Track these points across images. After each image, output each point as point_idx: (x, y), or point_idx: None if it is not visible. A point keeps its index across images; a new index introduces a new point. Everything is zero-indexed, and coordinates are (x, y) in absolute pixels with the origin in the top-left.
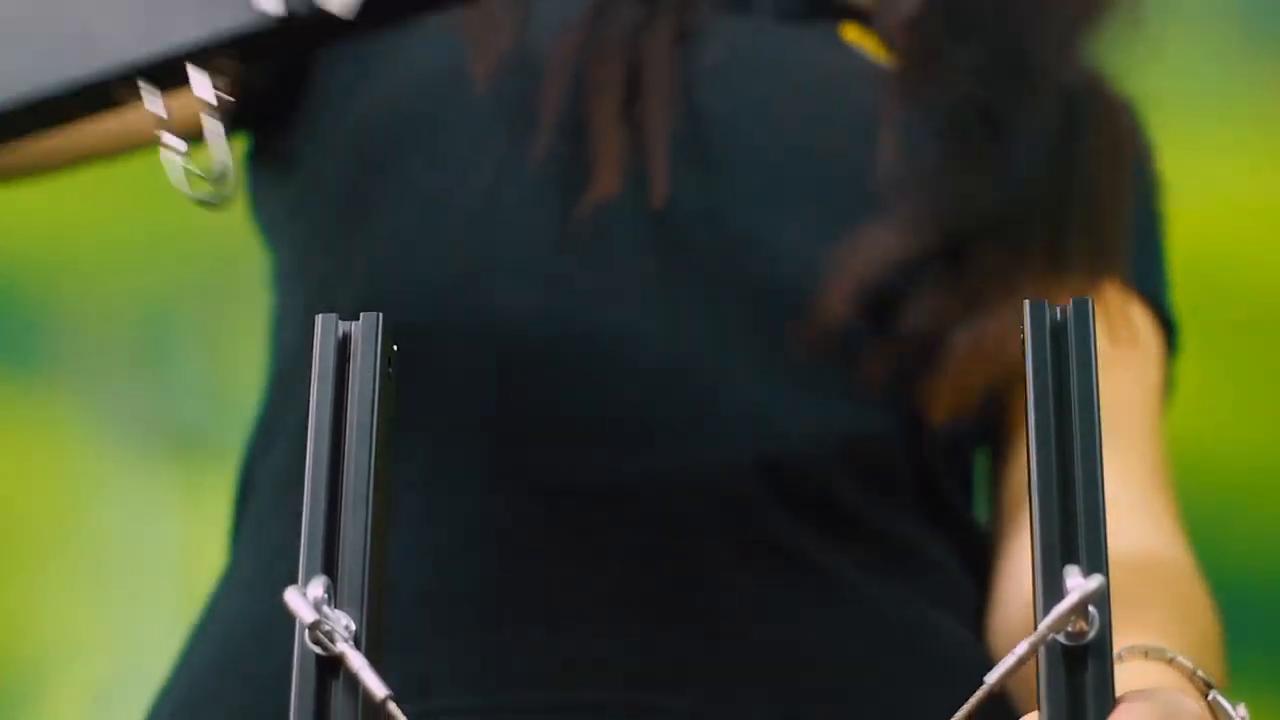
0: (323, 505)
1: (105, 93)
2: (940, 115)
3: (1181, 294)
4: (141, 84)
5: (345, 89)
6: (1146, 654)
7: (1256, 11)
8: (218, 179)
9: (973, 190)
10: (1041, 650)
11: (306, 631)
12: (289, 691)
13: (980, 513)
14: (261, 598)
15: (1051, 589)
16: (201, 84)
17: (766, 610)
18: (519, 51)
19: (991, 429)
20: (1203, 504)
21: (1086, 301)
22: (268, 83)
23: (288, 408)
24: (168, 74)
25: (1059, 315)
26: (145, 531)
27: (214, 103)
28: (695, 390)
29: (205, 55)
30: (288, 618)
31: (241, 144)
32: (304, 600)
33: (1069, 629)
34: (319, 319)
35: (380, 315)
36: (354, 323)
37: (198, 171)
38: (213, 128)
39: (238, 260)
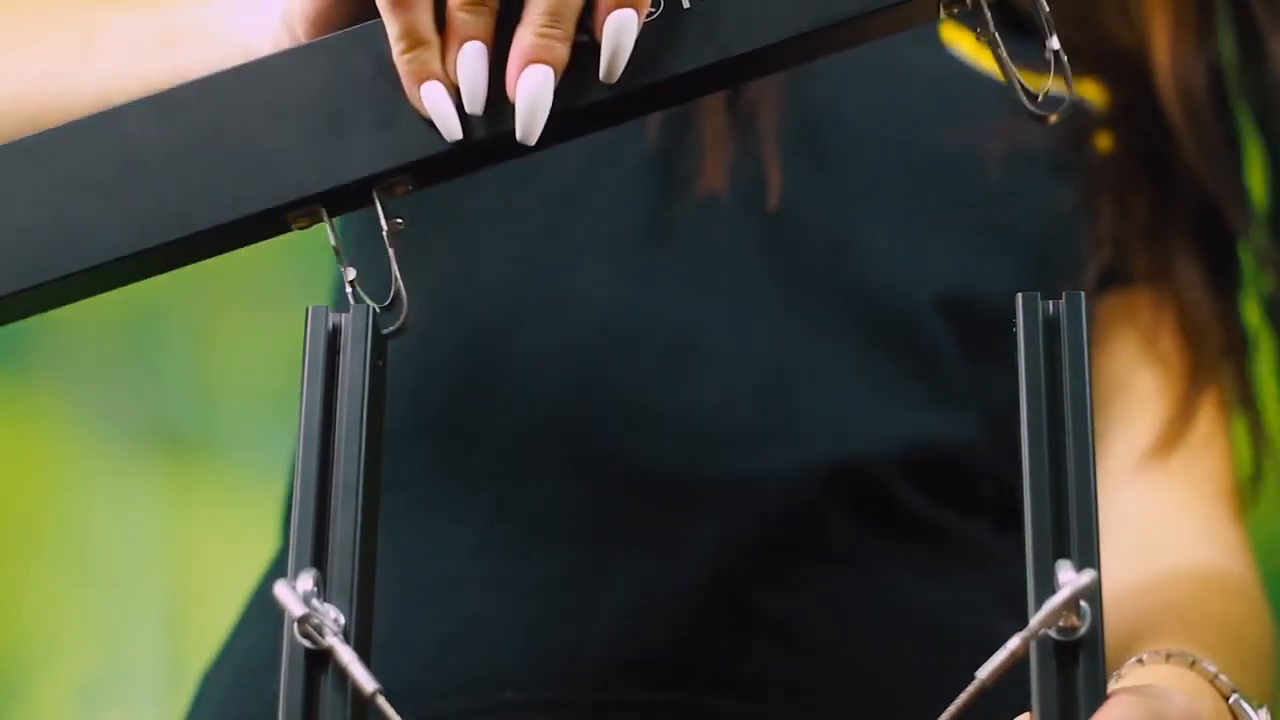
0: (313, 498)
1: (279, 220)
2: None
3: None
4: (319, 210)
5: None
6: (1169, 658)
7: None
8: (390, 305)
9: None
10: (1033, 645)
11: (295, 625)
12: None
13: None
14: None
15: (1043, 583)
16: (381, 210)
17: (834, 615)
18: None
19: None
20: None
21: (1079, 295)
22: None
23: None
24: (343, 200)
25: (1052, 309)
26: (131, 527)
27: (391, 228)
28: (777, 390)
29: (387, 181)
30: (277, 610)
31: None
32: (293, 593)
33: (1061, 624)
34: (309, 310)
35: (371, 308)
36: (344, 314)
37: (367, 300)
38: (389, 254)
39: (226, 256)
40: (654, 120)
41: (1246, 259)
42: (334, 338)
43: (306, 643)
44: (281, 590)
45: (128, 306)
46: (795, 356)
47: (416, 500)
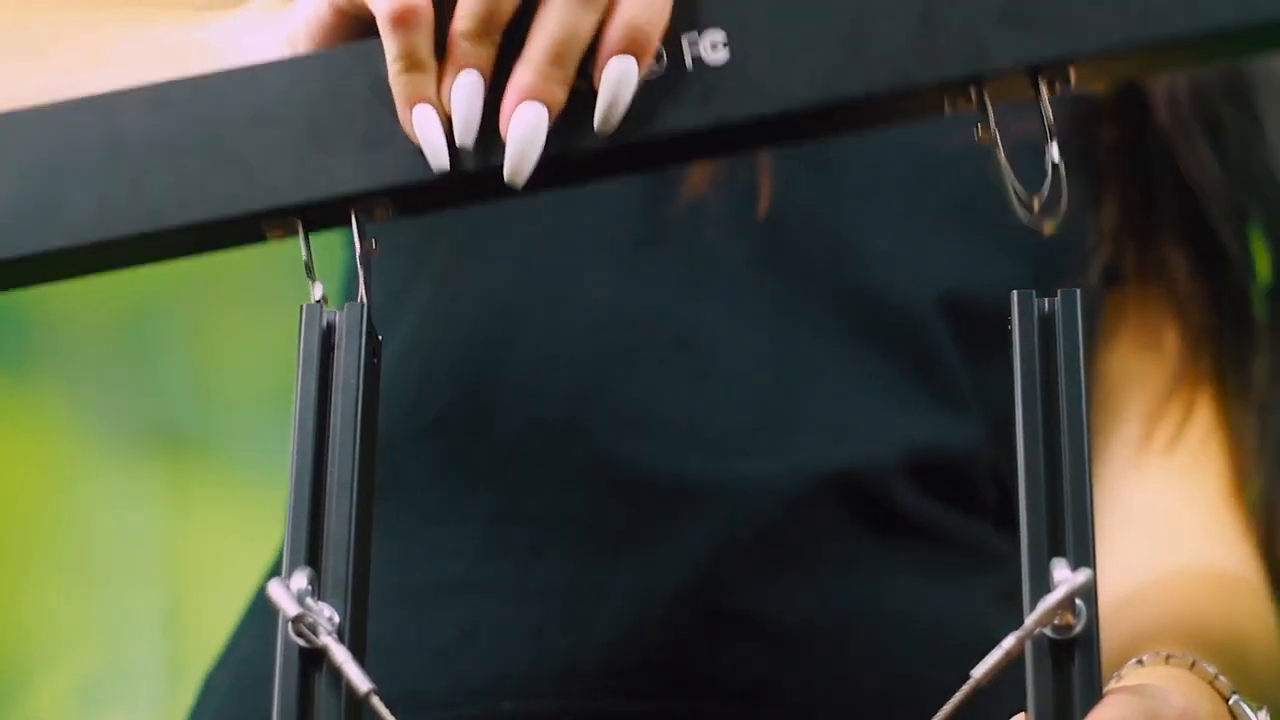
0: (307, 496)
1: (254, 227)
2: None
3: None
4: (295, 223)
5: None
6: (1168, 659)
7: None
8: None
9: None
10: (1029, 644)
11: (290, 624)
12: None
13: None
14: None
15: (1039, 582)
16: (358, 230)
17: (835, 620)
18: None
19: None
20: None
21: (1075, 293)
22: None
23: None
24: (320, 216)
25: (1048, 306)
26: (130, 526)
27: (366, 249)
28: (778, 394)
29: (366, 202)
30: (270, 609)
31: None
32: (287, 592)
33: (1056, 622)
34: (304, 308)
35: (364, 305)
36: (338, 312)
37: (332, 308)
38: (363, 274)
39: (225, 256)
40: None
41: (1259, 253)
42: (328, 335)
43: (301, 641)
44: (275, 589)
45: (127, 306)
46: (796, 359)
47: (417, 504)
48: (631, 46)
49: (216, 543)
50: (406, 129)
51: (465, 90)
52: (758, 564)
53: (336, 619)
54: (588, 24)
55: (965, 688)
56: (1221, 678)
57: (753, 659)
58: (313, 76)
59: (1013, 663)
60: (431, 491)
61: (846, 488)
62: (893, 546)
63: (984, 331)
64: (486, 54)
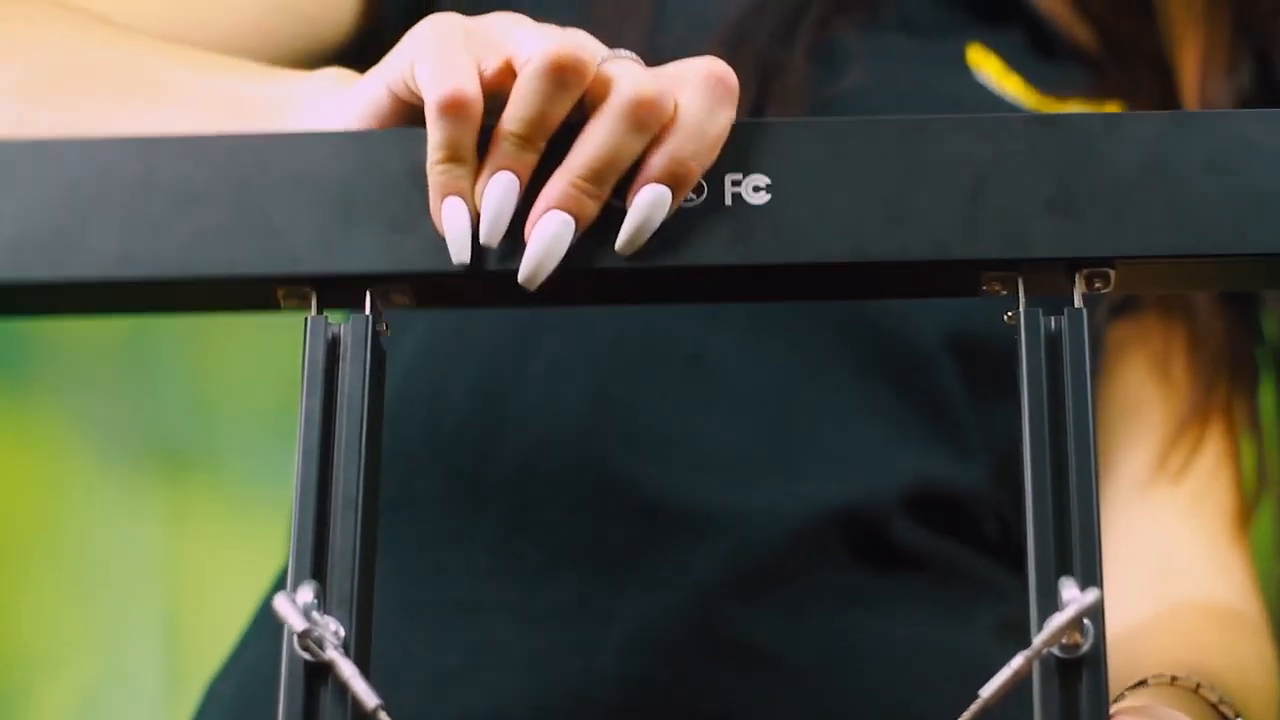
0: (312, 510)
1: (269, 292)
2: None
3: None
4: (309, 294)
5: None
6: (1173, 681)
7: None
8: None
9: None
10: (1036, 664)
11: (295, 638)
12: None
13: None
14: None
15: (1047, 601)
16: (372, 310)
17: (839, 652)
18: (650, 50)
19: None
20: None
21: (1081, 312)
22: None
23: None
24: (335, 290)
25: (1054, 325)
26: (130, 541)
27: (377, 331)
28: (785, 423)
29: (383, 285)
30: (276, 623)
31: None
32: (293, 606)
33: (1064, 641)
34: (308, 319)
35: (370, 317)
36: (344, 324)
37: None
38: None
39: None
40: None
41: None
42: (333, 347)
43: (307, 655)
44: (281, 603)
45: (128, 322)
46: (804, 389)
47: (427, 521)
48: (671, 178)
49: (216, 557)
50: (435, 219)
51: (499, 189)
52: (760, 594)
53: (342, 633)
54: (633, 148)
55: (973, 707)
56: (1225, 704)
57: (756, 690)
58: (352, 153)
59: (1020, 683)
60: (441, 508)
61: (849, 522)
62: (894, 580)
63: (989, 371)
64: (528, 159)
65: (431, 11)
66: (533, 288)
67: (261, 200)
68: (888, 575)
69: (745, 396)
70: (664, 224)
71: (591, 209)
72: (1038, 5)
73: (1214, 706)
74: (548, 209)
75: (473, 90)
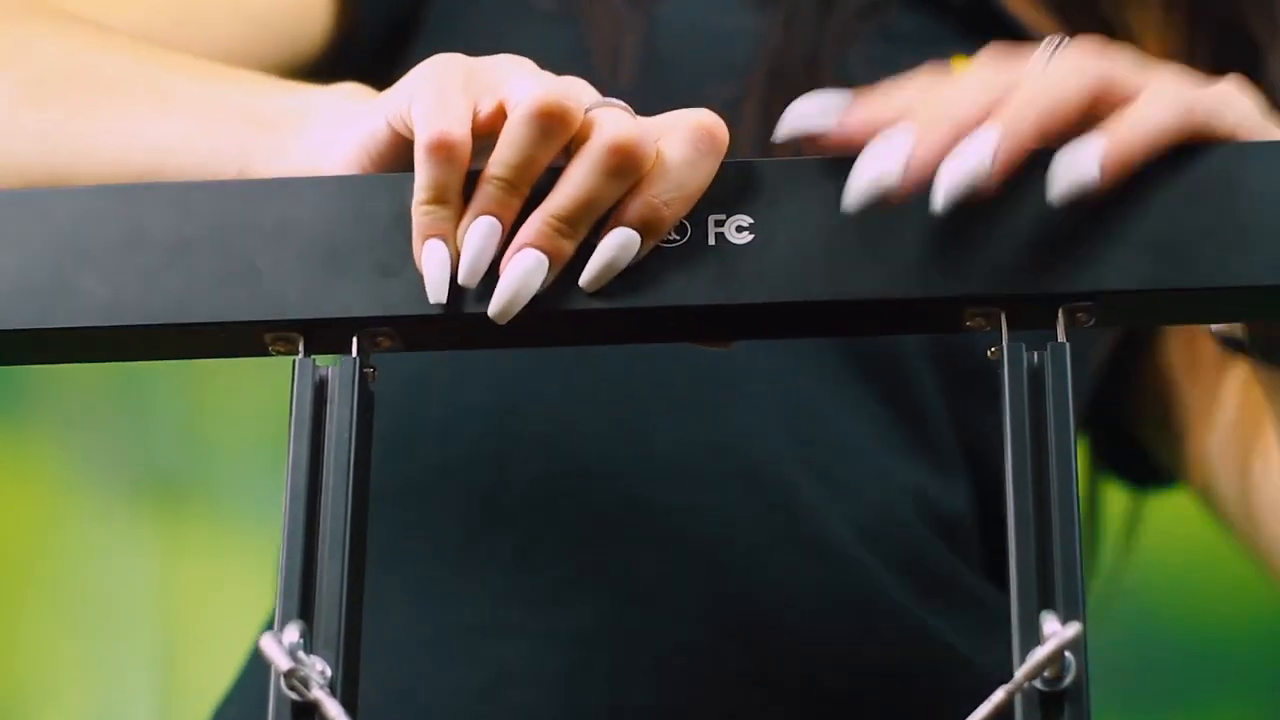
0: (299, 550)
1: (257, 338)
2: None
3: None
4: (297, 339)
5: None
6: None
7: None
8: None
9: None
10: (1018, 697)
11: (281, 677)
12: None
13: None
14: None
15: (1028, 635)
16: (359, 353)
17: (868, 679)
18: (646, 55)
19: None
20: (1186, 549)
21: (1064, 346)
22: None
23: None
24: (323, 334)
25: (1036, 359)
26: (125, 574)
27: (364, 376)
28: (800, 439)
29: (370, 328)
30: (263, 663)
31: None
32: (278, 646)
33: (1046, 674)
34: (295, 362)
35: (357, 360)
36: (331, 367)
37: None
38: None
39: None
40: None
41: None
42: (321, 390)
43: (293, 695)
44: (267, 643)
45: None
46: (819, 405)
47: (444, 544)
48: (641, 223)
49: (212, 590)
50: (417, 259)
51: (479, 233)
52: (787, 620)
53: (329, 673)
54: (610, 192)
55: None
56: None
57: (779, 714)
58: (340, 197)
59: (1001, 716)
60: (458, 530)
61: (874, 542)
62: (925, 600)
63: (972, 388)
64: (511, 204)
65: (413, 29)
66: (503, 322)
67: (248, 246)
68: (922, 597)
69: (760, 410)
70: (648, 264)
71: (567, 249)
72: (1019, 16)
73: None
74: (522, 247)
75: (461, 134)
